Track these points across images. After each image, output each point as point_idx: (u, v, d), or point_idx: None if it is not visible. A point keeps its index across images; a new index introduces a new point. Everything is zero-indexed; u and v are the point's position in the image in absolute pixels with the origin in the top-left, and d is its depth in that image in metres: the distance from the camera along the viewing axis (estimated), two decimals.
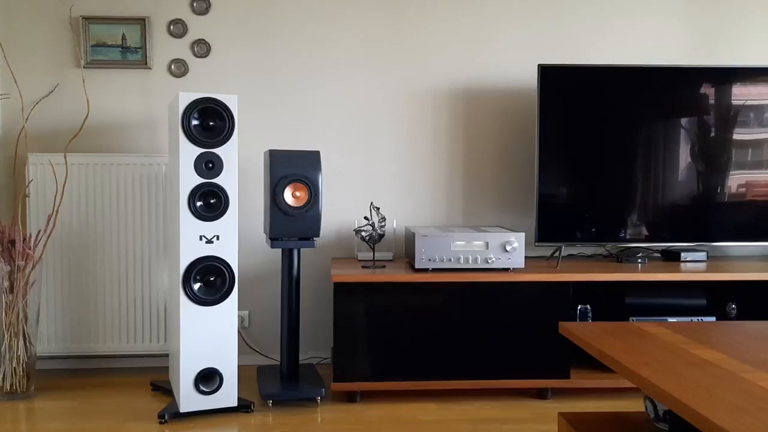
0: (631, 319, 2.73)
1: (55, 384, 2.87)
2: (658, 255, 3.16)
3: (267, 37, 3.12)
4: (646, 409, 1.80)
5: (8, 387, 2.68)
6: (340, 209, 3.18)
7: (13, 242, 2.66)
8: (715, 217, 2.96)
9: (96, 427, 2.40)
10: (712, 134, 2.94)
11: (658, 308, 2.78)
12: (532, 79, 3.17)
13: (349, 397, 2.69)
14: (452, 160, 3.20)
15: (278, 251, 3.16)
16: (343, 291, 2.62)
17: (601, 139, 2.92)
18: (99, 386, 2.85)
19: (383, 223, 2.83)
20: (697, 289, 2.81)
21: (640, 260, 2.95)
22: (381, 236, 2.82)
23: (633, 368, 1.42)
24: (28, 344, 2.70)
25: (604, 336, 1.72)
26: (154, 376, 2.98)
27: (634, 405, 2.64)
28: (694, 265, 2.92)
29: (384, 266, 2.83)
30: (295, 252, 2.73)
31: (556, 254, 2.98)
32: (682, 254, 3.01)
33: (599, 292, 2.90)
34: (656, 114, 2.92)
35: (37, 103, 3.03)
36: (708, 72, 2.92)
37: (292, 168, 2.59)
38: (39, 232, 2.80)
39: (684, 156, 2.94)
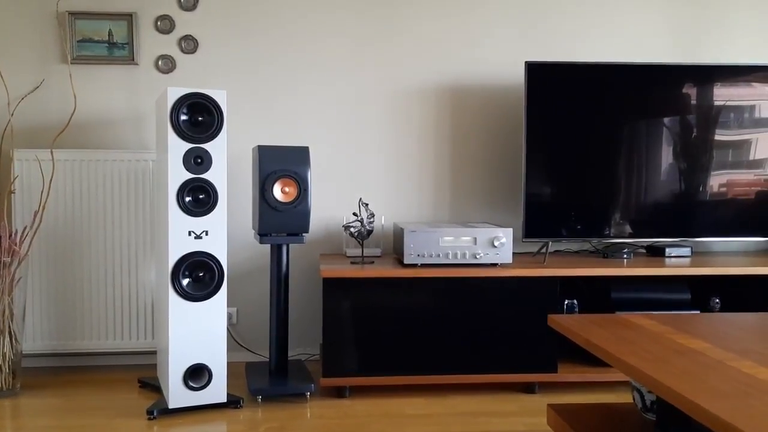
0: (616, 313, 2.75)
1: (41, 382, 2.85)
2: (643, 251, 3.20)
3: (255, 33, 3.12)
4: (634, 399, 1.83)
5: None
6: (329, 205, 3.19)
7: None
8: (699, 213, 3.01)
9: (83, 423, 2.39)
10: (698, 132, 2.99)
11: (644, 302, 2.82)
12: (519, 75, 3.20)
13: (338, 393, 2.69)
14: (440, 157, 3.22)
15: (266, 248, 3.16)
16: (332, 287, 2.62)
17: (588, 136, 2.95)
18: (86, 383, 2.83)
19: (372, 219, 2.84)
20: (682, 284, 2.85)
21: (625, 256, 2.98)
22: (369, 232, 2.83)
23: (621, 357, 1.44)
24: (13, 341, 2.68)
25: (591, 327, 1.74)
26: (142, 373, 2.96)
27: (622, 399, 2.67)
28: (679, 260, 2.96)
29: (372, 262, 2.84)
30: (284, 248, 2.73)
31: (543, 250, 3.01)
32: (667, 250, 3.05)
33: (585, 287, 2.93)
34: (643, 111, 2.96)
35: (23, 98, 3.01)
36: (693, 70, 2.96)
37: (281, 163, 2.59)
38: (25, 228, 2.78)
39: (669, 153, 2.98)
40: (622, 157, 2.96)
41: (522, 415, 2.48)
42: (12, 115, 3.00)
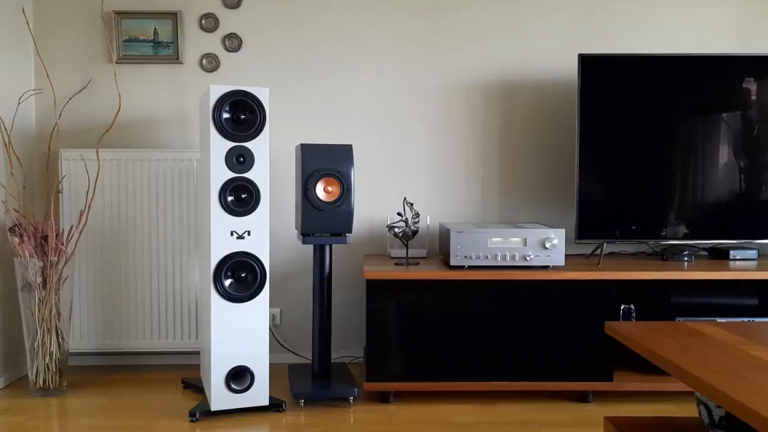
0: (677, 319, 2.60)
1: (86, 380, 2.86)
2: (705, 253, 3.03)
3: (298, 30, 3.07)
4: (700, 414, 1.69)
5: (41, 383, 2.67)
6: (372, 205, 3.12)
7: (46, 238, 2.66)
8: (764, 213, 2.82)
9: (127, 424, 2.38)
10: (761, 127, 2.80)
11: (706, 308, 2.65)
12: (571, 69, 3.06)
13: (382, 398, 2.62)
14: (488, 155, 3.11)
15: (309, 248, 3.11)
16: (376, 288, 2.55)
17: (645, 132, 2.80)
18: (130, 383, 2.83)
19: (417, 219, 2.76)
20: (748, 289, 2.68)
21: (686, 258, 2.82)
22: (414, 233, 2.75)
23: (690, 370, 1.32)
24: (60, 340, 2.70)
25: (654, 335, 1.62)
26: (186, 373, 2.95)
27: (681, 410, 2.51)
28: (744, 263, 2.78)
29: (418, 263, 2.75)
30: (327, 248, 2.67)
31: (597, 252, 2.87)
32: (731, 252, 2.87)
33: (643, 292, 2.78)
34: (703, 106, 2.79)
35: (70, 98, 3.03)
36: (757, 61, 2.77)
37: (324, 162, 2.53)
38: (71, 227, 2.79)
39: (733, 150, 2.80)
40: (682, 154, 2.80)
41: (576, 426, 2.36)
42: (59, 115, 3.02)
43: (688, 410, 2.50)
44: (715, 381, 1.27)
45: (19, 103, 2.92)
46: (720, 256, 2.93)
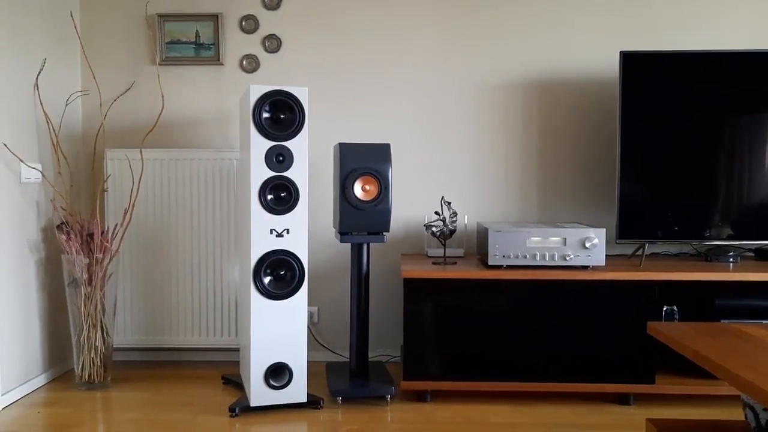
0: (721, 321, 2.54)
1: (130, 375, 2.93)
2: (751, 254, 2.95)
3: (337, 30, 3.09)
4: (746, 417, 1.65)
5: (86, 377, 2.74)
6: (410, 204, 3.12)
7: (91, 235, 2.73)
8: None
9: (168, 419, 2.42)
10: None
11: (752, 310, 2.58)
12: (613, 67, 3.02)
13: (419, 397, 2.62)
14: (526, 154, 3.09)
15: (347, 246, 3.12)
16: (414, 287, 2.55)
17: (688, 131, 2.74)
18: (172, 378, 2.89)
19: (454, 219, 2.75)
20: None
21: (731, 259, 2.75)
22: (452, 232, 2.74)
23: (737, 372, 1.29)
24: (105, 335, 2.76)
25: (699, 337, 1.59)
26: (226, 369, 3.00)
27: (726, 413, 2.46)
28: None
29: (455, 263, 2.74)
30: (365, 247, 2.68)
31: (639, 252, 2.82)
32: None
33: (686, 293, 2.72)
34: (748, 104, 2.71)
35: (115, 100, 3.11)
36: None
37: (362, 161, 2.54)
38: (116, 225, 2.86)
39: None
40: (725, 153, 2.73)
41: (616, 429, 2.32)
42: (105, 116, 3.10)
43: (733, 414, 2.44)
44: (765, 383, 1.24)
45: (66, 105, 3.01)
46: (766, 257, 2.85)
